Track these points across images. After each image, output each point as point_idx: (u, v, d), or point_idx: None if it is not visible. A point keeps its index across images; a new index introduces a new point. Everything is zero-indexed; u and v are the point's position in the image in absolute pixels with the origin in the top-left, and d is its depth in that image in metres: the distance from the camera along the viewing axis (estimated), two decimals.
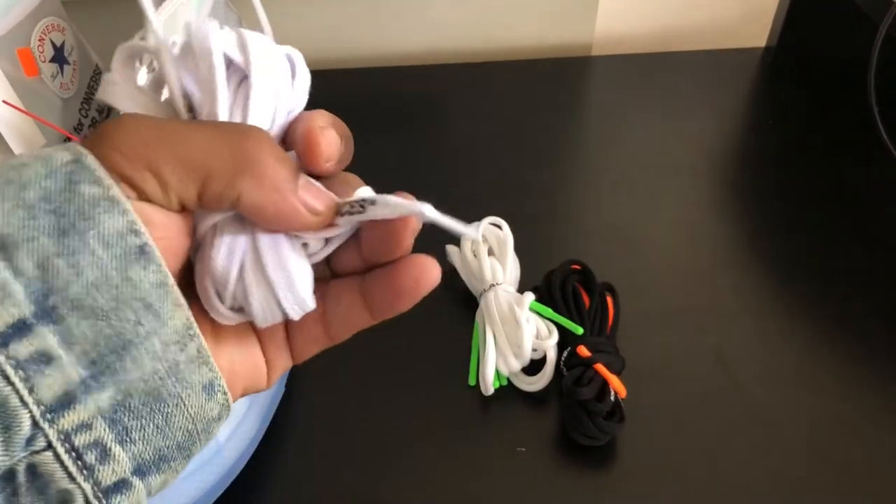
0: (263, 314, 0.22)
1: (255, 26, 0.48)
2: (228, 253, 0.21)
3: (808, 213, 0.47)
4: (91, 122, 0.45)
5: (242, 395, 0.23)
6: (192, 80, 0.22)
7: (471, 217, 0.42)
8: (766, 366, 0.39)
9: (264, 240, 0.21)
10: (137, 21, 0.38)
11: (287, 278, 0.22)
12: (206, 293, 0.22)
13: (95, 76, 0.46)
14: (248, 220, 0.21)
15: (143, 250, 0.18)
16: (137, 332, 0.18)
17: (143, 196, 0.19)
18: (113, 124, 0.20)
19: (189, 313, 0.19)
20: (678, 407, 0.37)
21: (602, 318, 0.38)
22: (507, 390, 0.37)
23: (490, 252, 0.41)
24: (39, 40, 0.40)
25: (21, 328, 0.17)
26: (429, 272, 0.24)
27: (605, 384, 0.35)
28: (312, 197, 0.22)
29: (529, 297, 0.38)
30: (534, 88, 0.57)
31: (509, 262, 0.40)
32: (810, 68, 0.58)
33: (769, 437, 0.36)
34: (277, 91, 0.24)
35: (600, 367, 0.35)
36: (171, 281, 0.19)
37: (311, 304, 0.22)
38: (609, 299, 0.39)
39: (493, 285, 0.39)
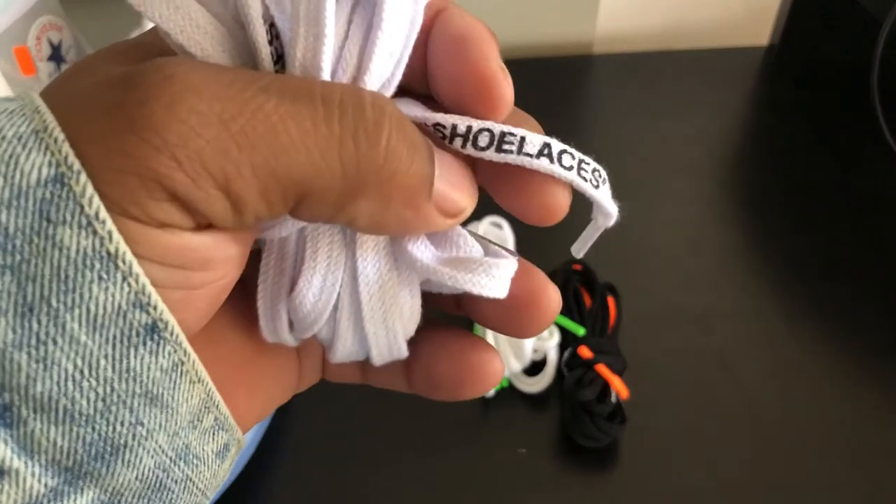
0: (342, 356, 0.17)
1: None
2: (322, 289, 0.16)
3: (810, 212, 0.47)
4: None
5: (259, 419, 0.19)
6: (278, 6, 0.15)
7: (471, 216, 0.42)
8: (768, 366, 0.39)
9: (370, 273, 0.16)
10: (135, 20, 0.38)
11: (388, 333, 0.17)
12: (273, 321, 0.17)
13: None
14: (349, 234, 0.16)
15: (153, 329, 0.13)
16: (134, 434, 0.13)
17: (201, 222, 0.13)
18: (160, 94, 0.12)
19: (211, 386, 0.14)
20: (680, 408, 0.37)
21: (603, 319, 0.38)
22: (508, 392, 0.37)
23: None
24: (37, 39, 0.39)
25: None
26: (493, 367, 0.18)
27: (606, 385, 0.35)
28: (454, 189, 0.15)
29: None
30: (535, 87, 0.56)
31: None
32: (813, 67, 0.57)
33: (771, 437, 0.36)
34: (414, 17, 0.15)
35: (602, 368, 0.35)
36: (192, 357, 0.14)
37: (404, 353, 0.17)
38: (610, 300, 0.39)
39: None
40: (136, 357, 0.13)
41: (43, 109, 0.12)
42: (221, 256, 0.14)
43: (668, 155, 0.51)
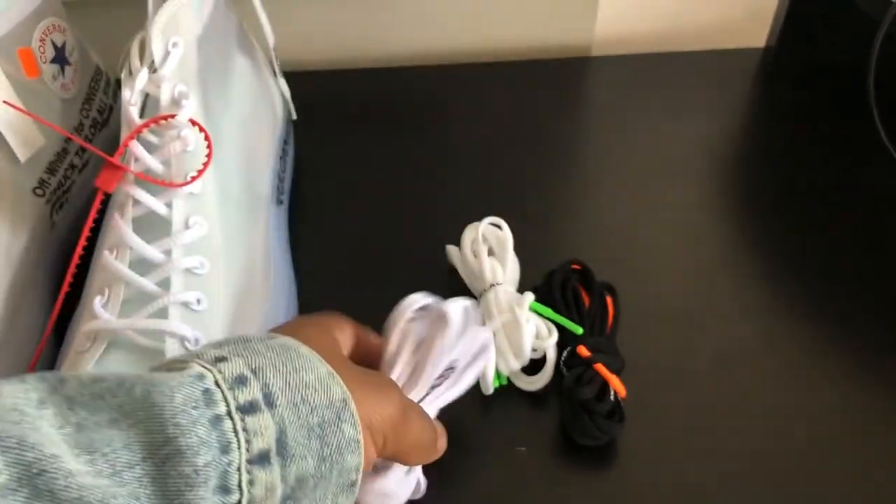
0: None
1: (256, 26, 0.48)
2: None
3: (808, 213, 0.47)
4: (91, 122, 0.45)
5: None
6: (423, 328, 0.31)
7: (471, 217, 0.42)
8: (767, 366, 0.39)
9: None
10: (138, 22, 0.39)
11: None
12: None
13: (96, 77, 0.46)
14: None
15: (354, 485, 0.24)
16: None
17: (368, 451, 0.24)
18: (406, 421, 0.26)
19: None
20: (678, 407, 0.37)
21: (602, 318, 0.38)
22: (507, 390, 0.37)
23: (490, 252, 0.41)
24: (40, 41, 0.40)
25: None
26: None
27: (605, 384, 0.35)
28: (443, 441, 0.31)
29: (529, 296, 0.38)
30: (534, 89, 0.57)
31: (509, 263, 0.40)
32: (810, 68, 0.58)
33: (769, 437, 0.36)
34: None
35: (600, 367, 0.35)
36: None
37: None
38: (609, 299, 0.39)
39: (494, 285, 0.39)
40: (342, 498, 0.24)
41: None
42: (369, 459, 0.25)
43: (667, 156, 0.51)
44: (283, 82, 0.49)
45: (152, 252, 0.34)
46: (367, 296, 0.38)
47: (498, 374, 0.37)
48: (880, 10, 0.44)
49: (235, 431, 0.20)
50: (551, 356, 0.37)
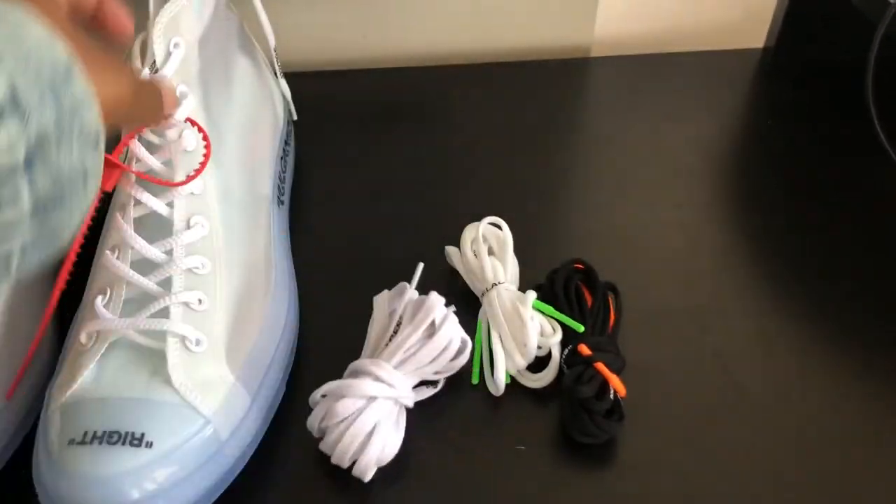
0: None
1: (257, 26, 0.48)
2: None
3: (807, 212, 0.47)
4: None
5: None
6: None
7: (471, 217, 0.43)
8: (766, 366, 0.39)
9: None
10: (139, 23, 0.39)
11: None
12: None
13: None
14: None
15: (98, 142, 0.23)
16: None
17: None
18: None
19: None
20: (677, 406, 0.37)
21: (604, 318, 0.38)
22: (508, 388, 0.37)
23: (490, 252, 0.41)
24: None
25: None
26: None
27: (605, 383, 0.35)
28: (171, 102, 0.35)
29: (532, 295, 0.38)
30: (533, 89, 0.57)
31: (509, 262, 0.41)
32: (809, 69, 0.58)
33: (768, 436, 0.36)
34: None
35: (601, 366, 0.35)
36: None
37: None
38: (611, 299, 0.39)
39: (496, 284, 0.39)
40: None
41: None
42: None
43: (667, 156, 0.51)
44: (283, 83, 0.49)
45: (154, 252, 0.34)
46: (367, 296, 0.38)
47: None
48: (878, 11, 0.44)
49: None
50: (556, 354, 0.37)
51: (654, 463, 0.35)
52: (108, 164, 0.34)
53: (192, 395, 0.32)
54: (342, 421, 0.33)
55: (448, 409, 0.37)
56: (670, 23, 0.62)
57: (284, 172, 0.46)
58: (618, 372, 0.36)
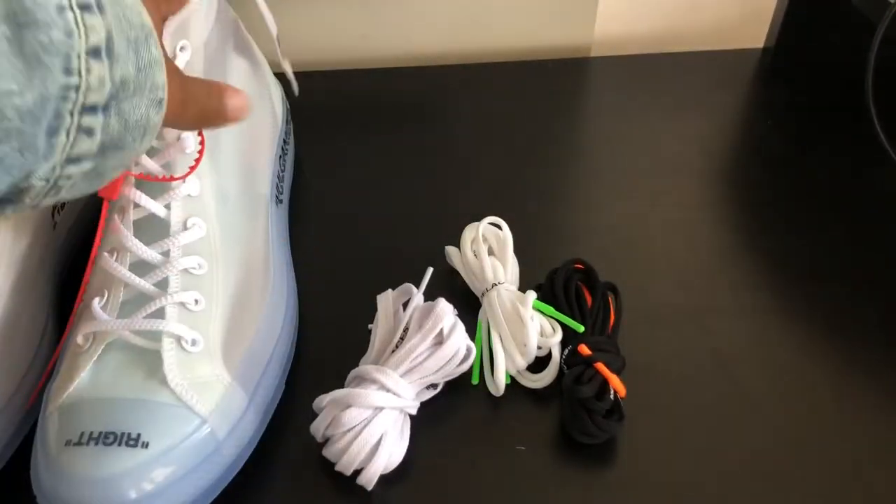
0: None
1: (258, 26, 0.48)
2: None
3: (806, 213, 0.47)
4: None
5: None
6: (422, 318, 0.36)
7: (471, 217, 0.43)
8: (765, 365, 0.39)
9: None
10: None
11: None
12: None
13: None
14: None
15: (161, 103, 0.26)
16: None
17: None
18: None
19: None
20: (677, 406, 0.37)
21: (604, 318, 0.38)
22: (508, 388, 0.37)
23: (490, 252, 0.41)
24: None
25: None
26: None
27: (605, 383, 0.35)
28: (236, 100, 0.32)
29: (532, 295, 0.38)
30: (534, 89, 0.57)
31: (509, 262, 0.41)
32: (809, 69, 0.58)
33: (769, 436, 0.36)
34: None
35: (601, 366, 0.35)
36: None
37: None
38: (611, 299, 0.39)
39: (496, 284, 0.39)
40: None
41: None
42: None
43: (667, 156, 0.51)
44: (286, 63, 0.47)
45: (151, 254, 0.35)
46: (366, 296, 0.38)
47: None
48: (878, 11, 0.44)
49: (76, 22, 0.22)
50: (556, 354, 0.37)
51: (655, 463, 0.35)
52: None
53: (188, 395, 0.32)
54: (349, 431, 0.33)
55: (448, 410, 0.37)
56: (670, 23, 0.62)
57: (283, 172, 0.46)
58: (618, 372, 0.36)
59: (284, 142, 0.48)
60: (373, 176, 0.50)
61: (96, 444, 0.31)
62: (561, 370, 0.37)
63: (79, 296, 0.36)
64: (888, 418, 0.37)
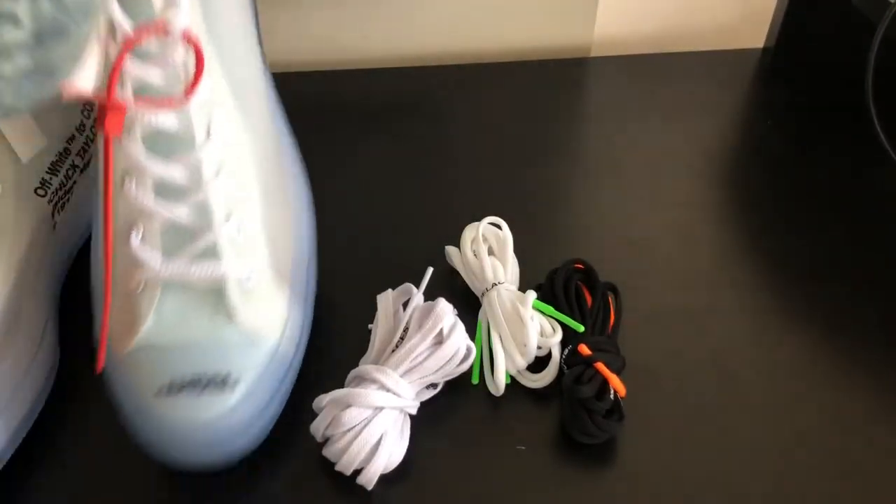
0: None
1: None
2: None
3: (806, 213, 0.47)
4: (93, 122, 0.45)
5: None
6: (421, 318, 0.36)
7: (470, 217, 0.43)
8: (765, 366, 0.39)
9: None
10: None
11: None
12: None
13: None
14: None
15: None
16: None
17: None
18: None
19: None
20: (677, 406, 0.37)
21: (604, 318, 0.39)
22: (508, 388, 0.37)
23: (490, 252, 0.41)
24: None
25: None
26: None
27: (605, 383, 0.35)
28: None
29: (532, 295, 0.38)
30: (533, 89, 0.57)
31: (509, 262, 0.41)
32: (809, 69, 0.58)
33: (767, 436, 0.36)
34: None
35: (601, 366, 0.35)
36: None
37: None
38: (611, 299, 0.39)
39: (496, 284, 0.39)
40: None
41: None
42: None
43: (666, 157, 0.51)
44: None
45: (178, 173, 0.30)
46: (366, 295, 0.38)
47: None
48: (878, 11, 0.44)
49: None
50: (556, 354, 0.37)
51: (654, 463, 0.35)
52: (114, 107, 0.29)
53: (260, 324, 0.32)
54: (348, 431, 0.33)
55: (448, 410, 0.37)
56: (670, 23, 0.62)
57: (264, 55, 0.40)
58: (618, 372, 0.36)
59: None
60: (372, 176, 0.50)
61: (191, 389, 0.31)
62: (561, 370, 0.37)
63: (108, 231, 0.30)
64: (888, 418, 0.37)
